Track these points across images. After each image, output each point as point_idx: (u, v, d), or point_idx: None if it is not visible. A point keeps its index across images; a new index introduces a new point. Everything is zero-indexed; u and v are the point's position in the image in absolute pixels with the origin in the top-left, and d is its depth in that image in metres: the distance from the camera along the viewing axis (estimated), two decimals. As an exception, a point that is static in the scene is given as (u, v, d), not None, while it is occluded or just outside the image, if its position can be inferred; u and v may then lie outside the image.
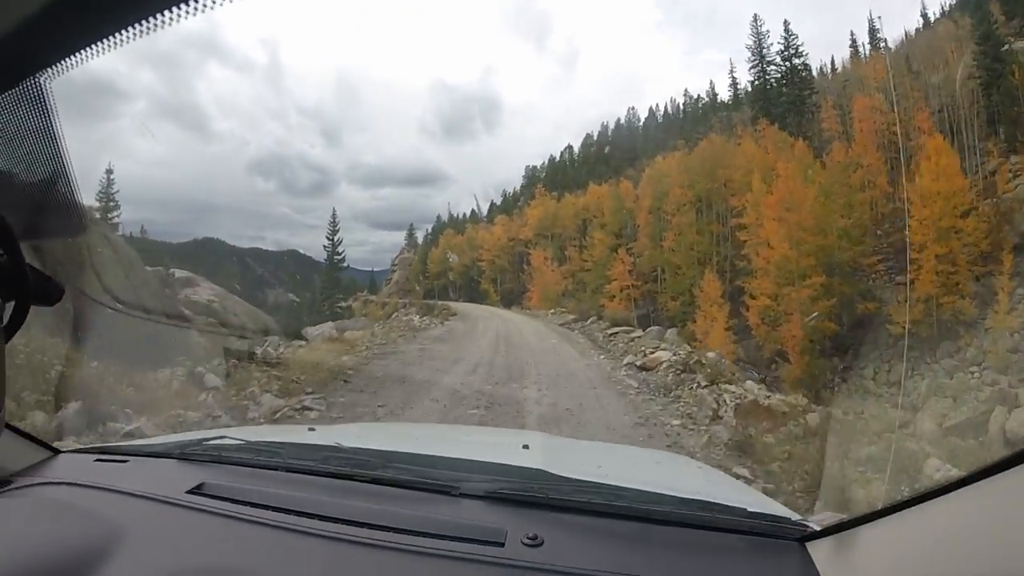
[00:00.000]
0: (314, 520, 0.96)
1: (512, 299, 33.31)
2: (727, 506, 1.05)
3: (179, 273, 18.16)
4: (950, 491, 0.69)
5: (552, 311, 24.84)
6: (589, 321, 16.76)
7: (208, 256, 49.56)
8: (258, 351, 8.62)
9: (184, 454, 1.25)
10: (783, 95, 28.02)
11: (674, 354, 9.20)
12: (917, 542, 0.76)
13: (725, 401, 6.72)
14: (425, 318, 17.46)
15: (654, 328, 14.00)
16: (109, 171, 25.39)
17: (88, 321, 5.38)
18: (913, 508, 0.76)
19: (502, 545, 0.92)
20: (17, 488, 1.06)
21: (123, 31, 0.56)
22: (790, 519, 1.04)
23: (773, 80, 28.71)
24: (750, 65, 29.30)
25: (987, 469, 0.64)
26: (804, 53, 28.36)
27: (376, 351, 10.18)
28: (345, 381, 7.32)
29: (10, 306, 0.62)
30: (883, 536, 0.81)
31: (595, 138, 40.25)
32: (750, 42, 28.77)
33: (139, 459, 1.27)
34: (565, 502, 1.06)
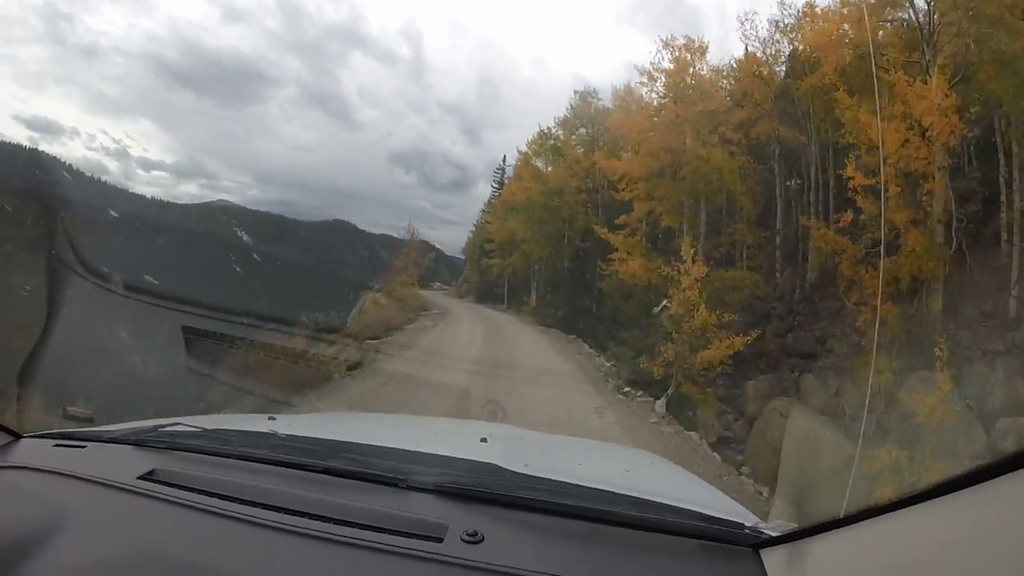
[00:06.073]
0: (258, 509, 0.96)
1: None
2: (681, 508, 1.02)
3: None
4: (914, 503, 0.66)
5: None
6: None
7: (338, 237, 49.14)
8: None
9: (140, 440, 1.27)
10: None
11: None
12: (876, 556, 0.72)
13: None
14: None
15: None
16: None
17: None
18: (875, 519, 0.72)
19: (441, 541, 0.90)
20: None
21: None
22: (745, 524, 0.99)
23: None
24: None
25: (952, 482, 0.60)
26: None
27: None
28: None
29: None
30: (840, 547, 0.78)
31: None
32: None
33: (97, 445, 1.29)
34: (512, 498, 1.03)
